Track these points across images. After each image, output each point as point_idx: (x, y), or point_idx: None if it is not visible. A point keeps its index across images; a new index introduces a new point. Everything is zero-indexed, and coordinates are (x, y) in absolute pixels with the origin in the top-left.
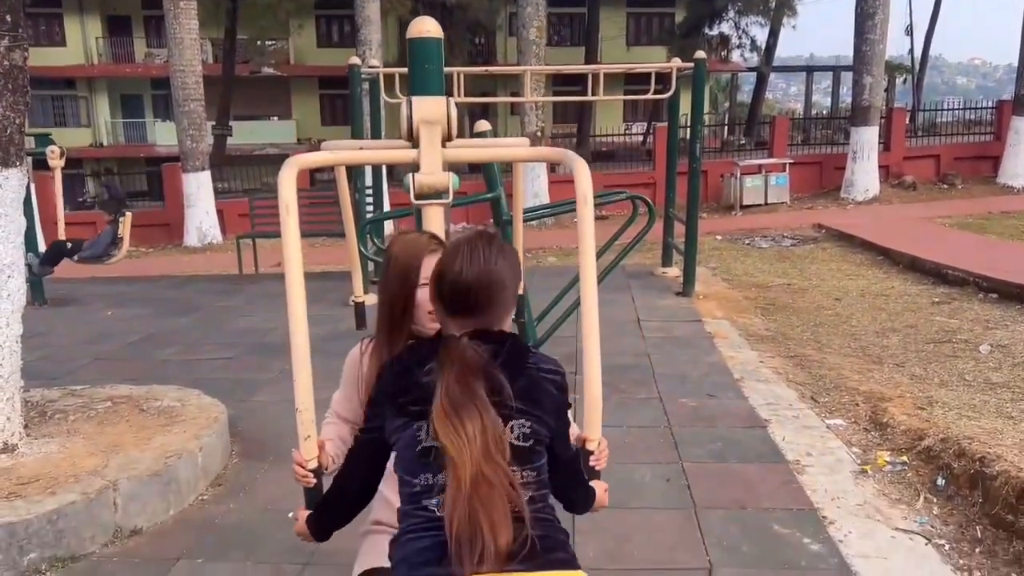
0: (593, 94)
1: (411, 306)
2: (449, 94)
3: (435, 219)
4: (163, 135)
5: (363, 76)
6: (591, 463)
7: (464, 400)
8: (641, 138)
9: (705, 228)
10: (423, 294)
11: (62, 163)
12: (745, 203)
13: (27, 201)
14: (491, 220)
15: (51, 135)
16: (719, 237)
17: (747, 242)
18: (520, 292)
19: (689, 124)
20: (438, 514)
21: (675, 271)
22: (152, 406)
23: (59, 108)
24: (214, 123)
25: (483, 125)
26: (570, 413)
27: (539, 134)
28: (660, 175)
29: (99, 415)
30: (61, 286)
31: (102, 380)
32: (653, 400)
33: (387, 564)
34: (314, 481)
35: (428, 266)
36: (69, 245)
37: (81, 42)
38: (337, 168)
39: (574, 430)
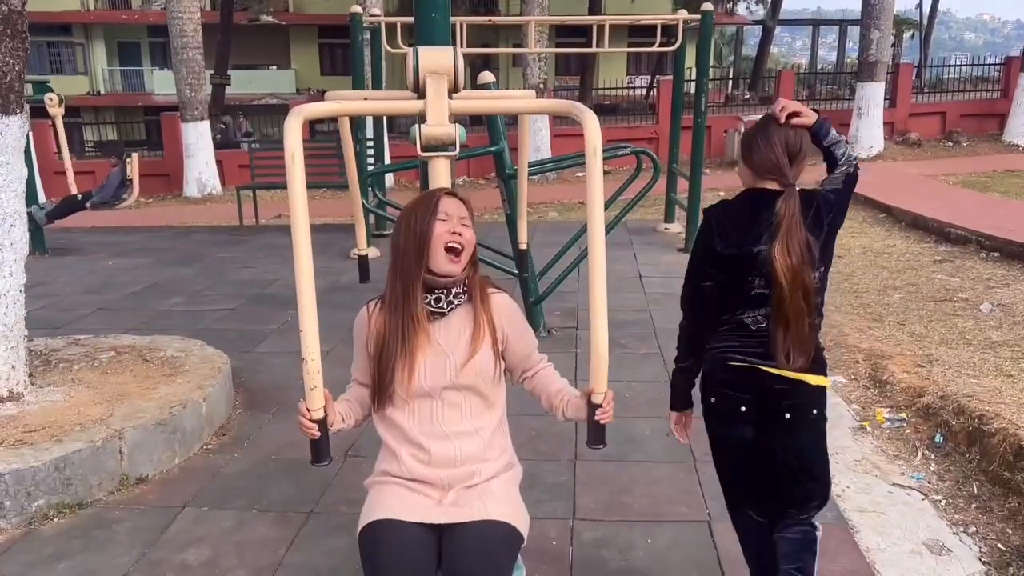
0: (597, 46)
1: (426, 247)
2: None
3: (441, 171)
4: (161, 84)
5: (364, 25)
6: (597, 417)
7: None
8: (644, 92)
9: (708, 184)
10: (442, 227)
11: (61, 111)
12: None
13: (26, 150)
14: (494, 174)
15: (49, 82)
16: (722, 193)
17: None
18: (524, 247)
19: (694, 78)
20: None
21: (677, 227)
22: (155, 356)
23: (55, 55)
24: (212, 72)
25: (487, 76)
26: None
27: (542, 86)
28: (664, 130)
29: (103, 365)
30: (62, 235)
31: (105, 330)
32: (654, 355)
33: (396, 516)
34: (318, 434)
35: (446, 203)
36: (79, 197)
37: None
38: (341, 119)
39: None
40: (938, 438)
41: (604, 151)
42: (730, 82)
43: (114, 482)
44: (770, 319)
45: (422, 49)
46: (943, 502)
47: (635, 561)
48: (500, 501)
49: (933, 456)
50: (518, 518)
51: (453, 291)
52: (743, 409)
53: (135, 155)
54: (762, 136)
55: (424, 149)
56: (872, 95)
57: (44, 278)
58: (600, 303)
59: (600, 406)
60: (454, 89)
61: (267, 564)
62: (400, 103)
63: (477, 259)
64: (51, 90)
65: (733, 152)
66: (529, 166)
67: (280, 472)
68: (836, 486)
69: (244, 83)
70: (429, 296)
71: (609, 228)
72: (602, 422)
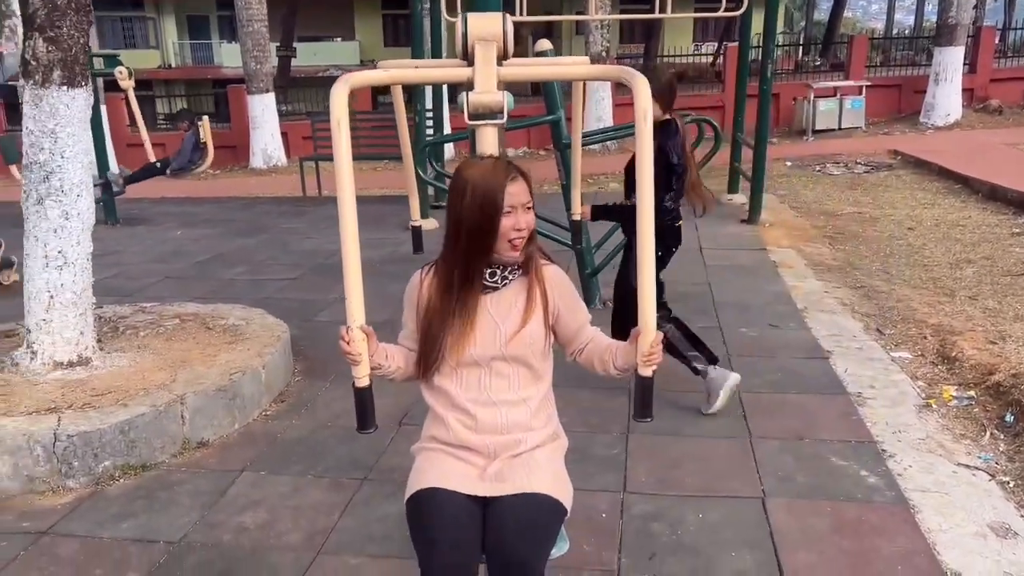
0: (662, 11)
1: (494, 233)
2: (511, 12)
3: (489, 139)
4: (229, 57)
5: None
6: (642, 360)
7: None
8: (711, 59)
9: (774, 153)
10: (508, 222)
11: (132, 83)
12: (818, 127)
13: (97, 122)
14: (552, 144)
15: (119, 56)
16: (789, 163)
17: (818, 168)
18: (577, 218)
19: (761, 44)
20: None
21: (741, 198)
22: (218, 324)
23: (128, 30)
24: (278, 44)
25: (544, 44)
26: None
27: (604, 54)
28: (729, 98)
29: (167, 332)
30: (132, 206)
31: (171, 298)
32: (712, 330)
33: (442, 485)
34: (360, 358)
35: (511, 193)
36: (158, 164)
37: None
38: (393, 89)
39: None
40: (1008, 417)
41: (602, 136)
42: (800, 48)
43: (176, 445)
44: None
45: (471, 16)
46: (1011, 484)
47: (685, 536)
48: (544, 473)
49: (1002, 436)
50: (562, 491)
51: (509, 268)
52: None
53: (205, 118)
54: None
55: (472, 117)
56: (950, 60)
57: (115, 247)
58: (648, 253)
59: (652, 380)
60: (503, 56)
61: (321, 528)
62: (448, 70)
63: (535, 233)
64: (120, 63)
65: (802, 120)
66: (585, 135)
67: (335, 439)
68: (898, 464)
69: (309, 55)
70: (493, 269)
71: None
72: (648, 364)
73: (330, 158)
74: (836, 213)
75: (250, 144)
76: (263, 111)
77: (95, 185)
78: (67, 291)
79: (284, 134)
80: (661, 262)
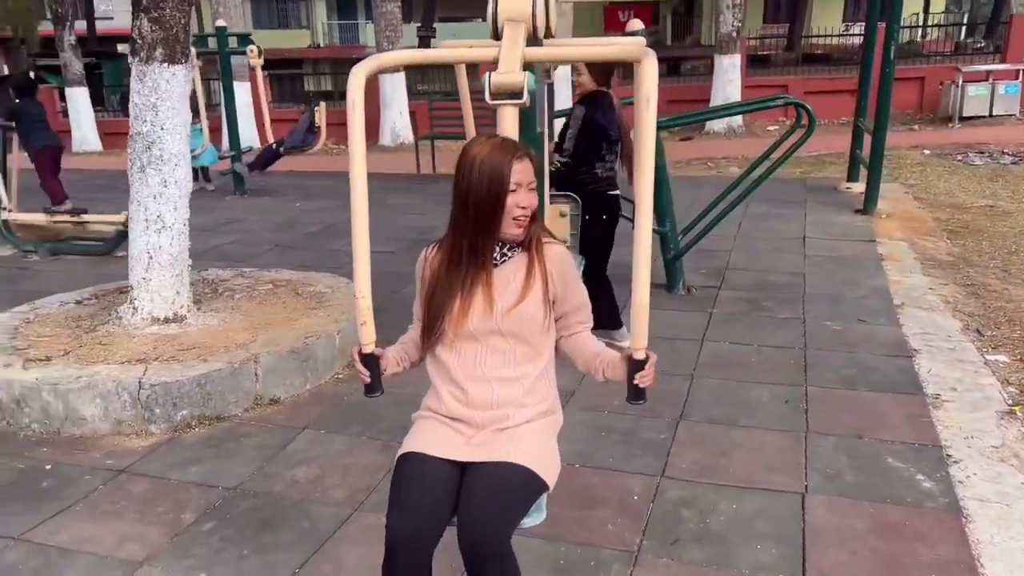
0: None
1: (500, 210)
2: None
3: (509, 120)
4: (372, 36)
5: None
6: (636, 381)
7: None
8: (861, 39)
9: (912, 140)
10: (512, 199)
11: (261, 61)
12: (965, 114)
13: (230, 97)
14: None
15: (251, 35)
16: (927, 151)
17: (959, 158)
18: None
19: (919, 24)
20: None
21: (861, 187)
22: (306, 291)
23: (282, 11)
24: (419, 25)
25: (635, 24)
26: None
27: (735, 35)
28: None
29: (260, 296)
30: (261, 178)
31: (279, 265)
32: (795, 321)
33: (425, 451)
34: (369, 380)
35: (517, 171)
36: (274, 145)
37: None
38: (457, 70)
39: None
40: None
41: (759, 102)
42: (963, 28)
43: (249, 400)
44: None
45: None
46: None
47: (713, 525)
48: (526, 446)
49: None
50: (541, 464)
51: (510, 245)
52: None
53: (323, 104)
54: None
55: (493, 96)
56: None
57: (239, 216)
58: (644, 257)
59: (642, 367)
60: (535, 36)
61: (363, 487)
62: (473, 50)
63: (536, 213)
64: (252, 42)
65: (948, 106)
66: (675, 121)
67: (393, 405)
68: (961, 471)
69: (449, 36)
70: (495, 246)
71: (752, 188)
72: (641, 385)
73: (447, 136)
74: (965, 206)
75: (380, 122)
76: (393, 90)
77: (223, 157)
78: (164, 253)
79: (412, 113)
80: (606, 233)
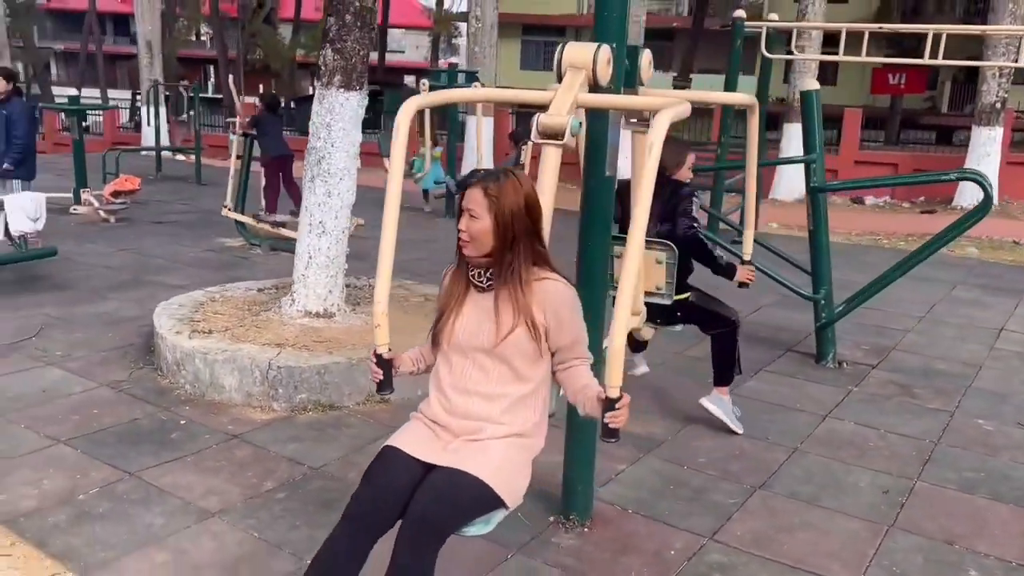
0: None
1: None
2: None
3: (551, 159)
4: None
5: (745, 31)
6: (607, 420)
7: None
8: None
9: None
10: (460, 222)
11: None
12: None
13: (453, 128)
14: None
15: (476, 72)
16: None
17: None
18: (747, 259)
19: None
20: None
21: None
22: None
23: (548, 53)
24: (675, 75)
25: (810, 84)
26: None
27: (998, 105)
28: None
29: (410, 306)
30: None
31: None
32: (941, 413)
33: (402, 447)
34: (379, 378)
35: (465, 196)
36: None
37: None
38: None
39: None
40: None
41: (922, 176)
42: None
43: (361, 395)
44: None
45: (568, 44)
46: None
47: None
48: (488, 459)
49: None
50: (500, 480)
51: (488, 272)
52: None
53: (531, 143)
54: None
55: (540, 136)
56: None
57: (439, 236)
58: (624, 303)
59: (615, 407)
60: (595, 84)
61: None
62: (530, 92)
63: (523, 246)
64: (478, 79)
65: None
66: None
67: None
68: None
69: (705, 87)
70: (474, 271)
71: (915, 261)
72: (612, 426)
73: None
74: None
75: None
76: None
77: (438, 183)
78: (322, 255)
79: None
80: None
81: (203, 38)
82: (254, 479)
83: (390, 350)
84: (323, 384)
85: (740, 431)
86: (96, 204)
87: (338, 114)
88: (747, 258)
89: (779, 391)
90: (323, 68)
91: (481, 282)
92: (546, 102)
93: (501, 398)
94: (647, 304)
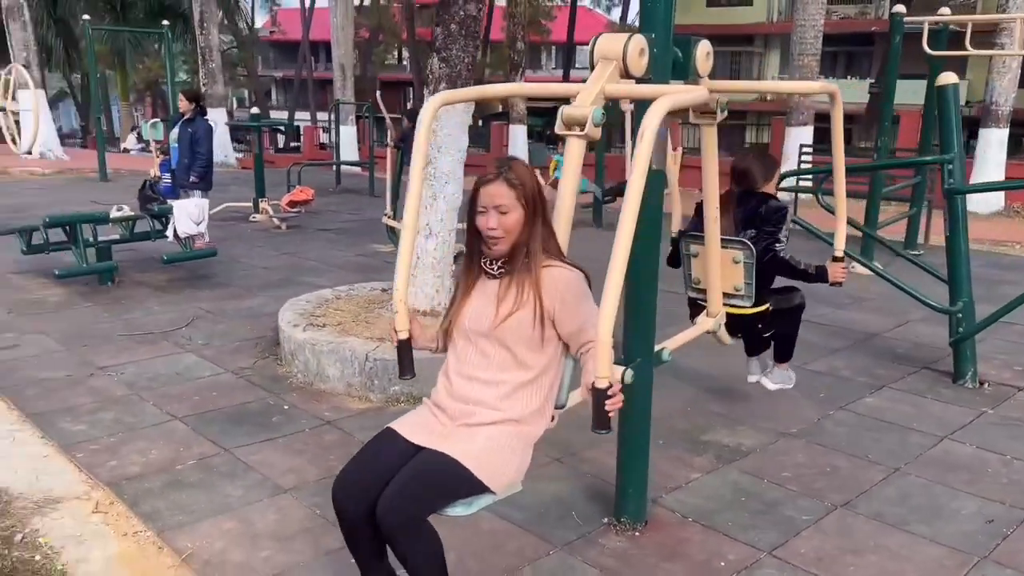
0: None
1: (474, 228)
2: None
3: (574, 150)
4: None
5: (906, 28)
6: (607, 408)
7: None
8: None
9: None
10: (480, 220)
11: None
12: None
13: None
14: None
15: None
16: None
17: None
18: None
19: None
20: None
21: None
22: None
23: (735, 63)
24: (872, 81)
25: (948, 78)
26: None
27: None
28: None
29: None
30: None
31: None
32: None
33: (402, 431)
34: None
35: (484, 194)
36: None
37: (766, 1)
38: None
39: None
40: None
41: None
42: None
43: None
44: None
45: (601, 36)
46: None
47: None
48: (477, 446)
49: None
50: (483, 465)
51: (500, 261)
52: None
53: (678, 150)
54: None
55: (564, 127)
56: None
57: (573, 243)
58: (613, 287)
59: (607, 394)
60: (627, 75)
61: None
62: (560, 85)
63: (538, 234)
64: None
65: None
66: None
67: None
68: None
69: (908, 94)
70: (486, 259)
71: None
72: (610, 413)
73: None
74: None
75: None
76: (794, 142)
77: (583, 192)
78: (429, 256)
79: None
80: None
81: (404, 63)
82: (332, 462)
83: (409, 334)
84: (414, 379)
85: (791, 384)
86: (271, 213)
87: (444, 120)
88: (839, 254)
89: (897, 408)
90: (430, 76)
91: (492, 269)
92: (575, 94)
93: (501, 384)
94: (731, 318)
